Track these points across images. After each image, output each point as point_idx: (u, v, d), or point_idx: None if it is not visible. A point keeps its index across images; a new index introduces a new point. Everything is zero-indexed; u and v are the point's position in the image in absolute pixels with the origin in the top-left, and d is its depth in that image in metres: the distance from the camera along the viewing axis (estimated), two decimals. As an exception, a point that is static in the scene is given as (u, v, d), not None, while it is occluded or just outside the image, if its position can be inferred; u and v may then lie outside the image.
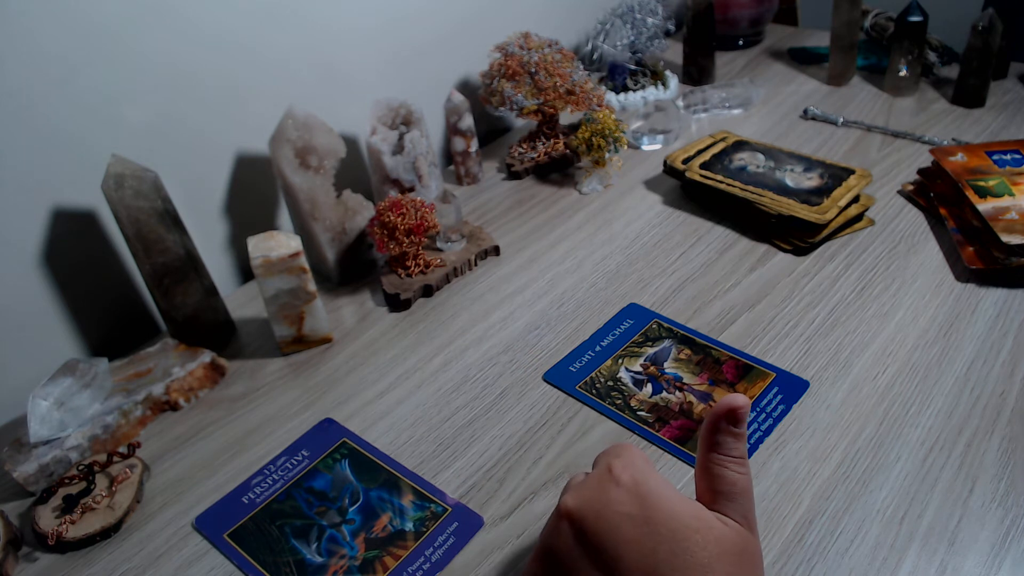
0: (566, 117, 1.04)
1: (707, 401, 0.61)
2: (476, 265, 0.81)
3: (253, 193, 0.85)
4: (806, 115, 1.03)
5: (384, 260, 0.81)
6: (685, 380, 0.63)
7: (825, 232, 0.77)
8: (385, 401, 0.65)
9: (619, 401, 0.62)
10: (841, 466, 0.54)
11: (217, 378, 0.69)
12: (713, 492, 0.39)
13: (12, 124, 0.64)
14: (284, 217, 0.89)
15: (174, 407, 0.67)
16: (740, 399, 0.39)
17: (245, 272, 0.87)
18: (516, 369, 0.67)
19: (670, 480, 0.55)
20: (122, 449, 0.61)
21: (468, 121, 0.92)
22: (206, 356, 0.69)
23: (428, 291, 0.77)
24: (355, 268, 0.81)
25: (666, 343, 0.67)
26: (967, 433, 0.55)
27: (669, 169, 0.88)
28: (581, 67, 0.94)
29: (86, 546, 0.55)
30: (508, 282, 0.78)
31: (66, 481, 0.58)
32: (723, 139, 0.92)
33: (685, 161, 0.88)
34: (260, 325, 0.76)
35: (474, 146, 0.95)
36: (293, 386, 0.68)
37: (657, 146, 1.00)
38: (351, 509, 0.56)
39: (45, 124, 0.66)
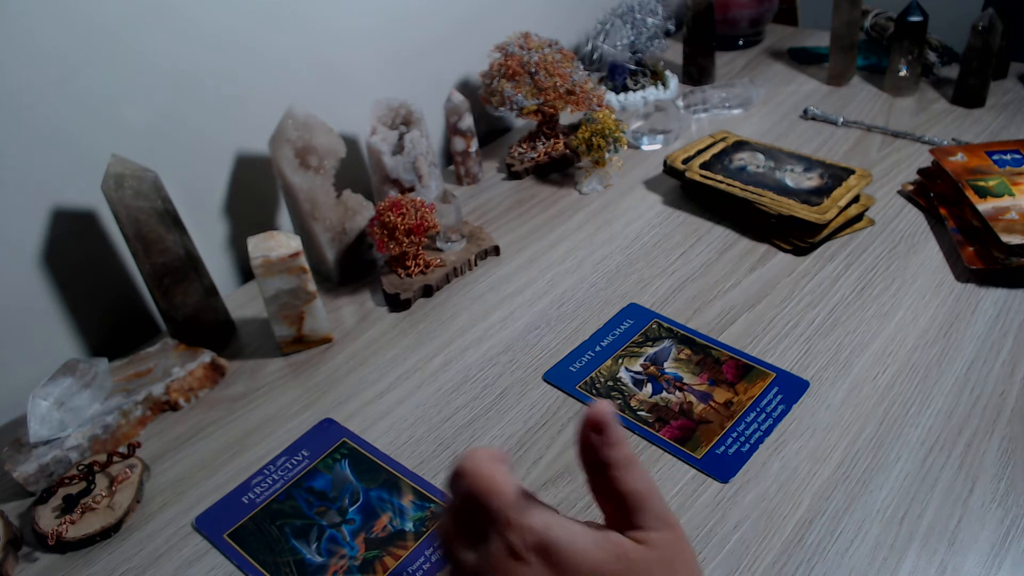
0: (566, 117, 1.04)
1: (707, 401, 0.61)
2: (476, 265, 0.81)
3: (253, 193, 0.85)
4: (806, 115, 1.03)
5: (384, 260, 0.81)
6: (685, 380, 0.63)
7: (825, 232, 0.77)
8: (385, 401, 0.65)
9: (619, 401, 0.62)
10: (841, 466, 0.54)
11: (217, 378, 0.69)
12: (619, 512, 0.34)
13: (12, 124, 0.64)
14: (284, 217, 0.89)
15: (174, 407, 0.67)
16: (597, 406, 0.34)
17: (245, 272, 0.87)
18: (516, 369, 0.67)
19: (670, 479, 0.55)
20: (122, 449, 0.62)
21: (468, 121, 0.92)
22: (206, 356, 0.69)
23: (428, 291, 0.77)
24: (355, 268, 0.81)
25: (666, 343, 0.67)
26: (967, 433, 0.55)
27: (669, 169, 0.88)
28: (581, 67, 0.94)
29: (86, 546, 0.55)
30: (508, 282, 0.78)
31: (66, 481, 0.58)
32: (723, 139, 0.92)
33: (685, 161, 0.88)
34: (260, 325, 0.76)
35: (474, 146, 0.95)
36: (293, 386, 0.68)
37: (657, 146, 1.00)
38: (351, 509, 0.56)
39: (45, 124, 0.66)
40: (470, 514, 0.32)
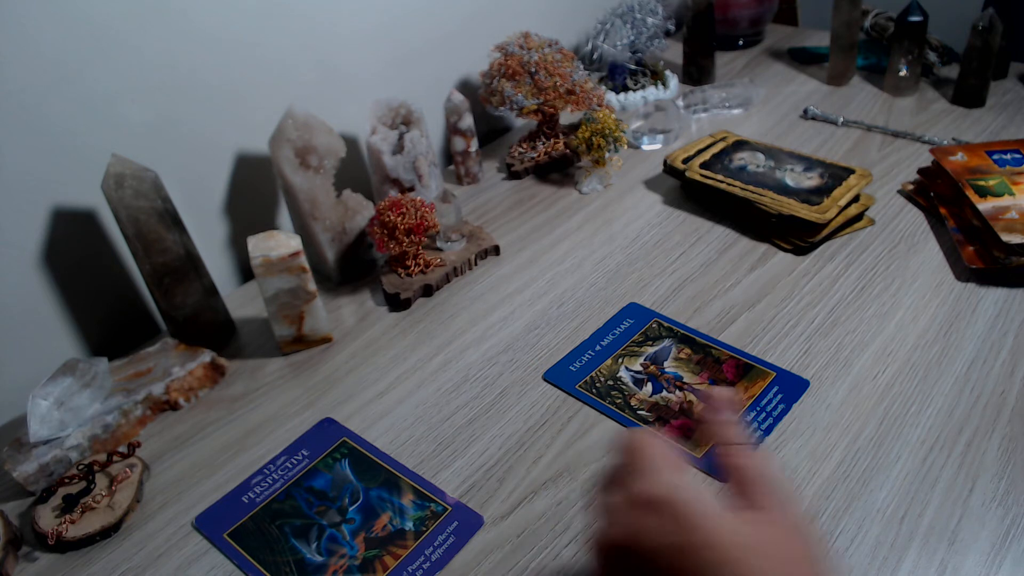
0: (566, 117, 1.04)
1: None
2: (476, 265, 0.81)
3: (253, 193, 0.85)
4: (806, 115, 1.03)
5: (384, 260, 0.81)
6: (685, 379, 0.63)
7: (825, 232, 0.77)
8: (385, 401, 0.65)
9: (619, 400, 0.62)
10: (841, 466, 0.54)
11: (217, 378, 0.69)
12: (733, 484, 0.38)
13: (12, 124, 0.64)
14: (284, 217, 0.89)
15: (174, 407, 0.67)
16: (715, 391, 0.41)
17: (245, 272, 0.87)
18: (516, 369, 0.67)
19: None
20: (122, 449, 0.62)
21: (468, 121, 0.92)
22: (206, 356, 0.69)
23: (428, 291, 0.77)
24: (355, 268, 0.81)
25: (666, 342, 0.67)
26: (967, 433, 0.55)
27: (669, 169, 0.88)
28: (581, 67, 0.94)
29: (86, 546, 0.55)
30: (508, 282, 0.78)
31: (66, 481, 0.58)
32: (723, 139, 0.92)
33: (685, 161, 0.88)
34: (260, 325, 0.76)
35: (474, 146, 0.95)
36: (293, 386, 0.68)
37: (657, 146, 1.00)
38: (351, 508, 0.56)
39: (45, 124, 0.66)
40: (622, 467, 0.39)
